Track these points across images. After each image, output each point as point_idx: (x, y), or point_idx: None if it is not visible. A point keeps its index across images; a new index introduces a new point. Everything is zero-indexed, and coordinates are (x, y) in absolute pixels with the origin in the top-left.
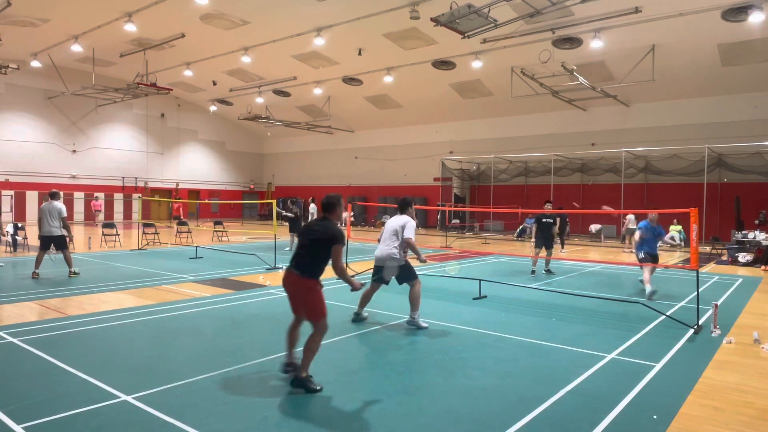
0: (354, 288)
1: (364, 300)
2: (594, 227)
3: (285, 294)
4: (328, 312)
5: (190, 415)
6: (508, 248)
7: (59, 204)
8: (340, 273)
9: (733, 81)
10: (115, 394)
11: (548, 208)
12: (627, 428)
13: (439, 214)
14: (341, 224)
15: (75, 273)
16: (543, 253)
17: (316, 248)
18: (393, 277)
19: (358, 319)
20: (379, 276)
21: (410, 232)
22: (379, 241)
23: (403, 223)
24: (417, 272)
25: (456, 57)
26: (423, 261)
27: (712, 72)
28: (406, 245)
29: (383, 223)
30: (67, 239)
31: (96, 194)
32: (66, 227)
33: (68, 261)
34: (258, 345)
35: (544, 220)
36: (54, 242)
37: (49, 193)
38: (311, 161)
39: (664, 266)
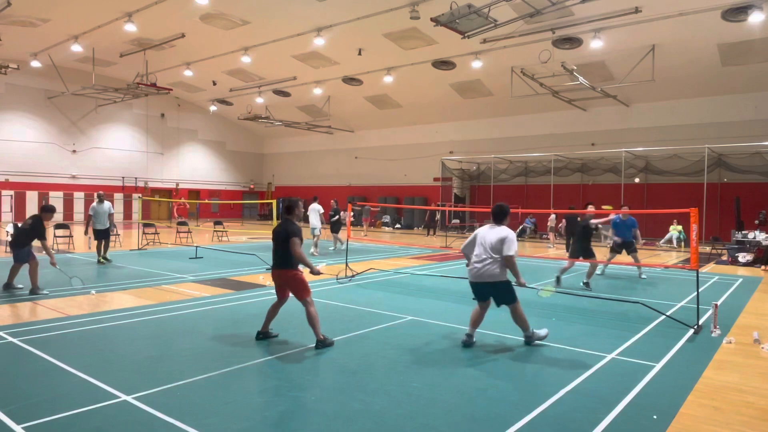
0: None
1: (474, 320)
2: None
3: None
4: (331, 312)
5: (190, 415)
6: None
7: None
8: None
9: (733, 81)
10: (115, 394)
11: (591, 209)
12: (627, 428)
13: (439, 214)
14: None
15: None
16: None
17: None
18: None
19: (469, 341)
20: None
21: (515, 246)
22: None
23: (503, 236)
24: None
25: (456, 57)
26: (522, 284)
27: (712, 72)
28: (506, 264)
29: (383, 223)
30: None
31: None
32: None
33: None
34: (258, 345)
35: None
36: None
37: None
38: (311, 161)
39: (664, 266)
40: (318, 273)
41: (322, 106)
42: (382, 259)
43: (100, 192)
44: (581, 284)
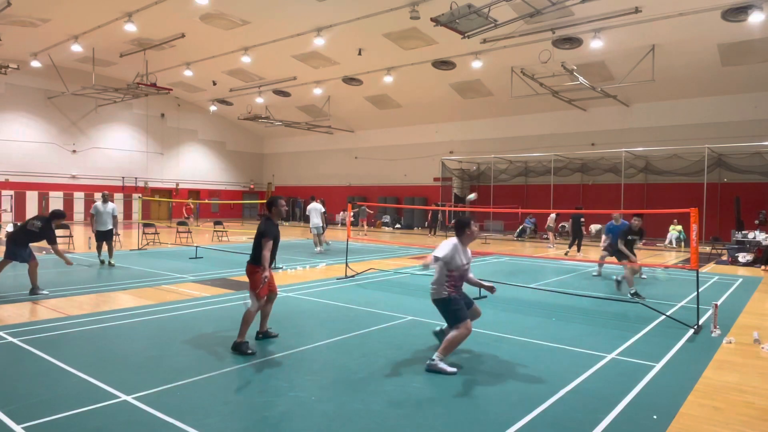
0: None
1: None
2: (594, 227)
3: (284, 294)
4: (331, 312)
5: (190, 415)
6: (508, 248)
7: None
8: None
9: (733, 81)
10: (115, 394)
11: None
12: (627, 428)
13: (440, 214)
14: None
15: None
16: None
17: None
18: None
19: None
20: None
21: (438, 250)
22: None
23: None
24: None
25: (456, 57)
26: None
27: (712, 72)
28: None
29: (383, 223)
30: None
31: (96, 193)
32: (114, 225)
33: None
34: (258, 345)
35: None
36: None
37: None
38: (311, 161)
39: (663, 266)
40: (258, 287)
41: (322, 106)
42: (382, 259)
43: (105, 192)
44: (629, 294)
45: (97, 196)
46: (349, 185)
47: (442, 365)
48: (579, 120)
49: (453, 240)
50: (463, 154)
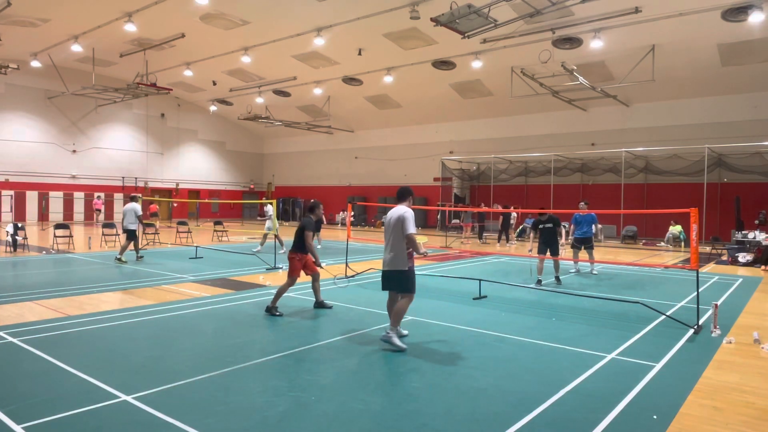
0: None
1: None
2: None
3: (285, 294)
4: (331, 312)
5: (190, 415)
6: (508, 248)
7: (136, 204)
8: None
9: (733, 81)
10: (115, 394)
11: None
12: (627, 428)
13: (439, 214)
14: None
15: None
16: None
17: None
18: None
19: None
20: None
21: (413, 227)
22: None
23: (400, 214)
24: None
25: (456, 57)
26: (424, 254)
27: (712, 72)
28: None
29: (383, 223)
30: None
31: (96, 193)
32: (141, 223)
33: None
34: (258, 345)
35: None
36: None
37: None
38: (311, 161)
39: (663, 266)
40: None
41: (322, 106)
42: (381, 259)
43: (135, 195)
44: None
45: (99, 194)
46: (349, 185)
47: (396, 340)
48: (579, 120)
49: (410, 211)
50: (463, 154)
